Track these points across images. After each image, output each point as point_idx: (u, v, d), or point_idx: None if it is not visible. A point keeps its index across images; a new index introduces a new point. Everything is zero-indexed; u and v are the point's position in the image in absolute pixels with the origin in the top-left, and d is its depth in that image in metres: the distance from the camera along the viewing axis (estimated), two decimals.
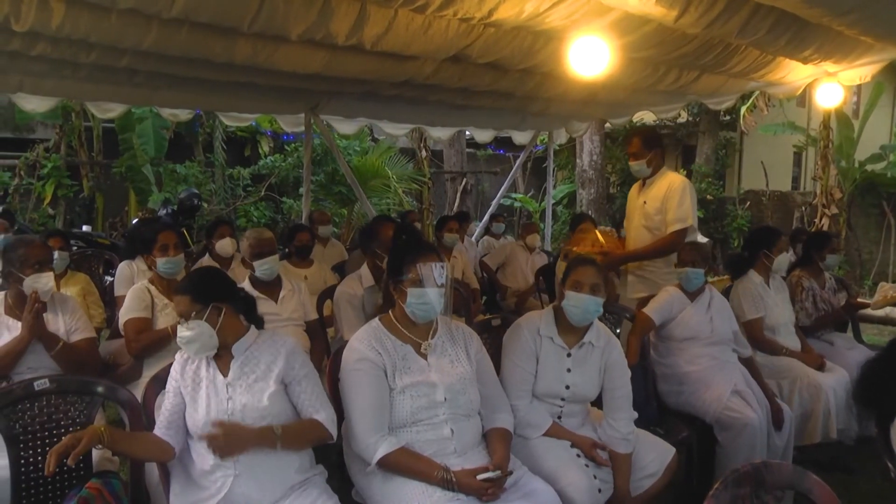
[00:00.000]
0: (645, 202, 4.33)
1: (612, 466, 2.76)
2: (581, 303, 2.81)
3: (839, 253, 4.99)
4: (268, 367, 2.37)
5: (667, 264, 4.17)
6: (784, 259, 4.24)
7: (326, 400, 2.44)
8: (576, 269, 2.89)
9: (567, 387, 2.85)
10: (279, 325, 3.67)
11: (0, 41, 3.95)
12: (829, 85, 5.58)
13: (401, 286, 2.52)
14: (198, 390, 2.35)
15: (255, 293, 3.62)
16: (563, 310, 2.87)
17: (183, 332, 2.31)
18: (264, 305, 3.49)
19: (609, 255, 4.25)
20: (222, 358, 2.38)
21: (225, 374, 2.36)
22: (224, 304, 2.36)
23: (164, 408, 2.37)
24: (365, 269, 3.81)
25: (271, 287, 3.83)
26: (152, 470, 2.49)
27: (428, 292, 2.48)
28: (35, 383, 2.46)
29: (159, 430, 2.35)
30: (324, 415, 2.39)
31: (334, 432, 2.41)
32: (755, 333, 4.06)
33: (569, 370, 2.86)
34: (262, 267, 3.76)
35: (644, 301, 3.96)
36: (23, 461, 2.40)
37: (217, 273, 2.59)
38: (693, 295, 3.74)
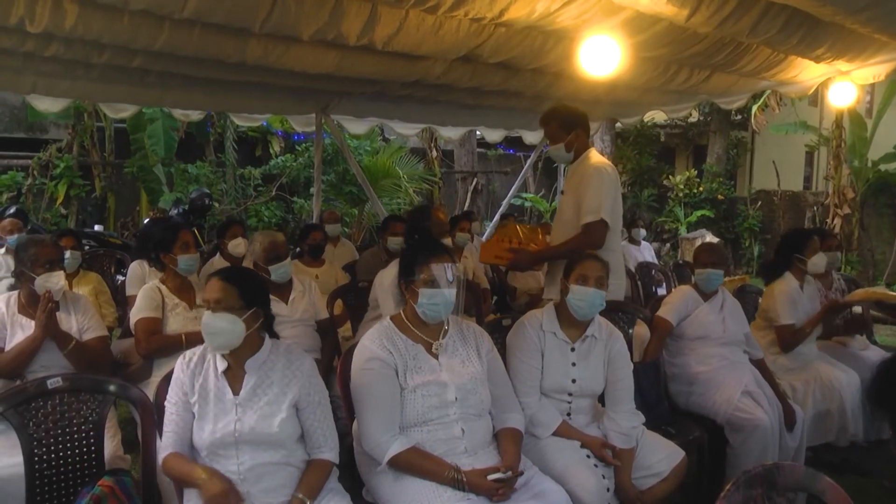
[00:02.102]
0: (563, 192, 3.86)
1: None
2: (587, 296, 2.81)
3: (834, 250, 4.59)
4: (281, 390, 2.30)
5: None
6: (819, 260, 4.09)
7: (333, 427, 2.40)
8: (581, 263, 2.89)
9: (573, 381, 2.85)
10: (289, 326, 3.67)
11: (14, 42, 3.98)
12: (842, 84, 5.53)
13: (412, 286, 2.52)
14: (205, 406, 2.27)
15: None
16: (568, 304, 2.86)
17: (215, 320, 2.23)
18: (275, 307, 3.45)
19: (520, 251, 3.83)
20: (233, 370, 2.31)
21: (235, 392, 2.28)
22: (263, 314, 2.33)
23: (174, 424, 2.29)
24: None
25: (282, 289, 3.82)
26: None
27: (440, 292, 2.48)
28: (48, 381, 2.46)
29: (177, 449, 2.27)
30: (330, 445, 2.35)
31: (337, 457, 2.38)
32: (787, 337, 3.97)
33: (573, 364, 2.86)
34: (279, 270, 3.77)
35: None
36: (36, 458, 2.42)
37: (265, 281, 2.49)
38: (707, 295, 3.73)
